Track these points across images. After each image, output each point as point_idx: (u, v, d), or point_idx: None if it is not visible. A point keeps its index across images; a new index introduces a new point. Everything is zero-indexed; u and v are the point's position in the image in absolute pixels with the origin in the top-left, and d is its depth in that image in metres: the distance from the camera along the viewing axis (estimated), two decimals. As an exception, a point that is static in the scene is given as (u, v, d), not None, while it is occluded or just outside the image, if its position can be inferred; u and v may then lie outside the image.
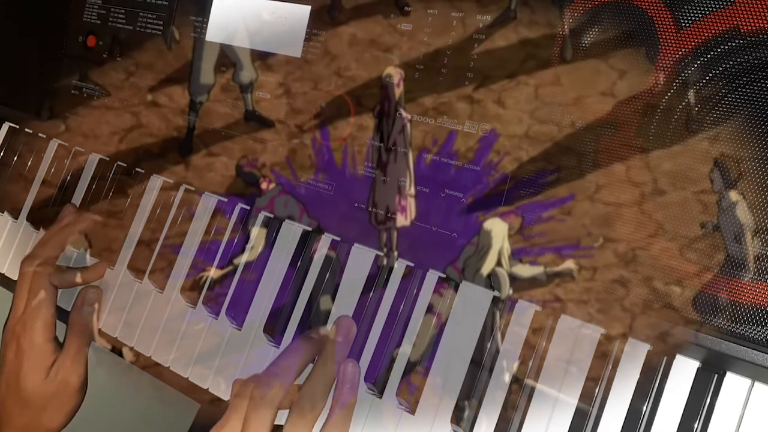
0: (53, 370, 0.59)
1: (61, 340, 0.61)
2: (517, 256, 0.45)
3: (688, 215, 0.40)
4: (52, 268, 0.62)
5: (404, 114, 0.51)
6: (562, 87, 0.45)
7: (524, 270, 0.45)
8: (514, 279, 0.45)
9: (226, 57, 0.60)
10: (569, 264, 0.44)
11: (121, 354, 0.60)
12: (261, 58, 0.58)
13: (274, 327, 0.53)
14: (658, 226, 0.41)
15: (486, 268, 0.46)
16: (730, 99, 0.39)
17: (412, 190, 0.50)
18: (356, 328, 0.50)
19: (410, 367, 0.47)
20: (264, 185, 0.57)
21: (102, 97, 0.68)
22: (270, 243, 0.56)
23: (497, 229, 0.46)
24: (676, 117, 0.41)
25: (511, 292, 0.45)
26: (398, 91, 0.51)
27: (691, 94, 0.40)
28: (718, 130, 0.40)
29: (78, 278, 0.63)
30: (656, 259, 0.41)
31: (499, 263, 0.46)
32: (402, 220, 0.50)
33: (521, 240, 0.45)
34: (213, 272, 0.58)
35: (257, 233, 0.57)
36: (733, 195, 0.39)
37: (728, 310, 0.39)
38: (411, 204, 0.50)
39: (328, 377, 0.47)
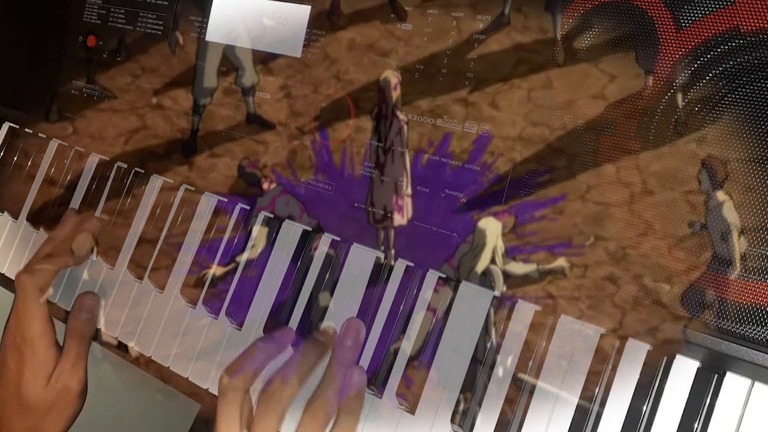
0: (54, 377, 0.58)
1: (60, 343, 0.61)
2: (510, 254, 0.46)
3: (676, 215, 0.41)
4: (51, 277, 0.61)
5: (401, 116, 0.51)
6: (558, 90, 0.45)
7: (517, 267, 0.46)
8: (507, 276, 0.46)
9: (229, 61, 0.60)
10: (561, 262, 0.44)
11: (126, 349, 0.61)
12: (262, 62, 0.59)
13: (274, 326, 0.53)
14: (647, 226, 0.41)
15: (480, 266, 0.47)
16: (729, 99, 0.39)
17: (409, 190, 0.50)
18: (365, 330, 0.49)
19: (410, 367, 0.47)
20: (265, 185, 0.57)
21: (108, 99, 0.68)
22: (270, 242, 0.56)
23: (491, 227, 0.47)
24: (673, 118, 0.41)
25: (504, 288, 0.46)
26: (395, 94, 0.51)
27: (690, 95, 0.41)
28: (711, 131, 0.40)
29: (68, 262, 0.62)
30: (646, 257, 0.41)
31: (493, 261, 0.46)
32: (399, 219, 0.50)
33: (515, 238, 0.46)
34: (215, 269, 0.58)
35: (258, 232, 0.57)
36: (720, 195, 0.40)
37: (715, 307, 0.39)
38: (408, 203, 0.50)
39: (339, 383, 0.48)
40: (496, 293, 0.46)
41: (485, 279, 0.46)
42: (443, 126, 0.50)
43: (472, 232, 0.47)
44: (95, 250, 0.64)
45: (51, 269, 0.62)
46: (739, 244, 0.39)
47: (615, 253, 0.42)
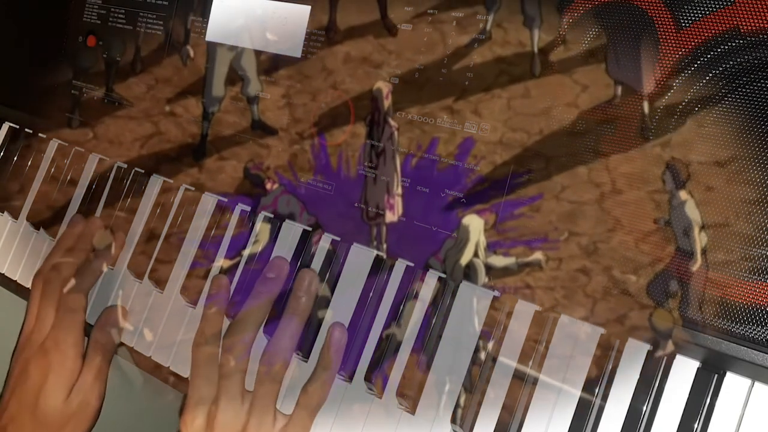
0: (75, 390, 0.56)
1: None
2: (492, 248, 0.47)
3: (643, 212, 0.42)
4: (84, 280, 0.60)
5: (392, 122, 0.52)
6: (536, 98, 0.46)
7: (498, 261, 0.47)
8: (489, 269, 0.47)
9: (235, 72, 0.61)
10: (538, 255, 0.45)
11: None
12: (266, 72, 0.60)
13: (271, 320, 0.53)
14: (616, 222, 0.43)
15: (464, 259, 0.48)
16: (730, 99, 0.39)
17: (399, 190, 0.51)
18: (288, 266, 0.52)
19: (410, 366, 0.47)
20: (268, 186, 0.58)
21: (125, 107, 0.68)
22: (271, 242, 0.56)
23: (474, 224, 0.48)
24: (658, 121, 0.41)
25: (486, 280, 0.47)
26: (387, 103, 0.53)
27: (690, 95, 0.40)
28: (677, 134, 0.40)
29: (102, 266, 0.61)
30: (615, 251, 0.42)
31: (476, 255, 0.48)
32: (390, 217, 0.51)
33: (495, 234, 0.47)
34: (221, 262, 0.58)
35: (259, 232, 0.57)
36: (683, 194, 0.41)
37: (679, 296, 0.40)
38: (398, 202, 0.51)
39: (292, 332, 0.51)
40: (497, 293, 0.46)
41: (469, 271, 0.48)
42: (431, 131, 0.51)
43: (457, 228, 0.48)
44: (113, 245, 0.64)
45: (75, 262, 0.61)
46: (700, 239, 0.40)
47: (587, 247, 0.43)
